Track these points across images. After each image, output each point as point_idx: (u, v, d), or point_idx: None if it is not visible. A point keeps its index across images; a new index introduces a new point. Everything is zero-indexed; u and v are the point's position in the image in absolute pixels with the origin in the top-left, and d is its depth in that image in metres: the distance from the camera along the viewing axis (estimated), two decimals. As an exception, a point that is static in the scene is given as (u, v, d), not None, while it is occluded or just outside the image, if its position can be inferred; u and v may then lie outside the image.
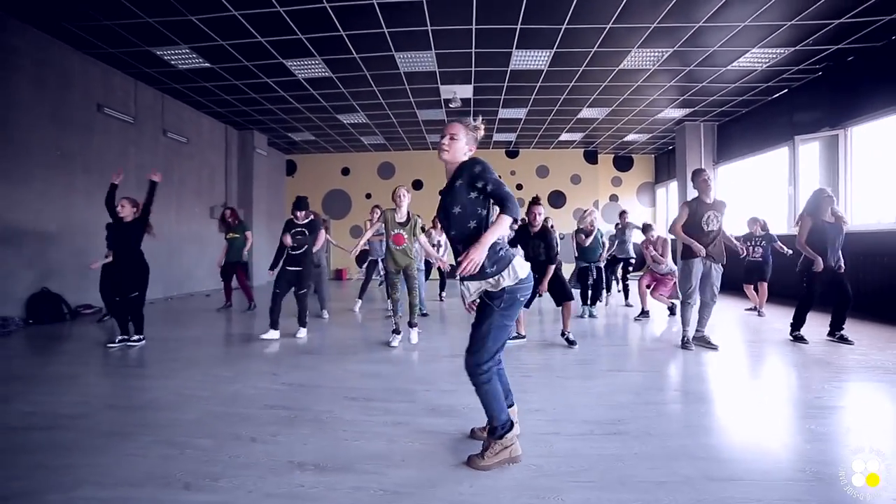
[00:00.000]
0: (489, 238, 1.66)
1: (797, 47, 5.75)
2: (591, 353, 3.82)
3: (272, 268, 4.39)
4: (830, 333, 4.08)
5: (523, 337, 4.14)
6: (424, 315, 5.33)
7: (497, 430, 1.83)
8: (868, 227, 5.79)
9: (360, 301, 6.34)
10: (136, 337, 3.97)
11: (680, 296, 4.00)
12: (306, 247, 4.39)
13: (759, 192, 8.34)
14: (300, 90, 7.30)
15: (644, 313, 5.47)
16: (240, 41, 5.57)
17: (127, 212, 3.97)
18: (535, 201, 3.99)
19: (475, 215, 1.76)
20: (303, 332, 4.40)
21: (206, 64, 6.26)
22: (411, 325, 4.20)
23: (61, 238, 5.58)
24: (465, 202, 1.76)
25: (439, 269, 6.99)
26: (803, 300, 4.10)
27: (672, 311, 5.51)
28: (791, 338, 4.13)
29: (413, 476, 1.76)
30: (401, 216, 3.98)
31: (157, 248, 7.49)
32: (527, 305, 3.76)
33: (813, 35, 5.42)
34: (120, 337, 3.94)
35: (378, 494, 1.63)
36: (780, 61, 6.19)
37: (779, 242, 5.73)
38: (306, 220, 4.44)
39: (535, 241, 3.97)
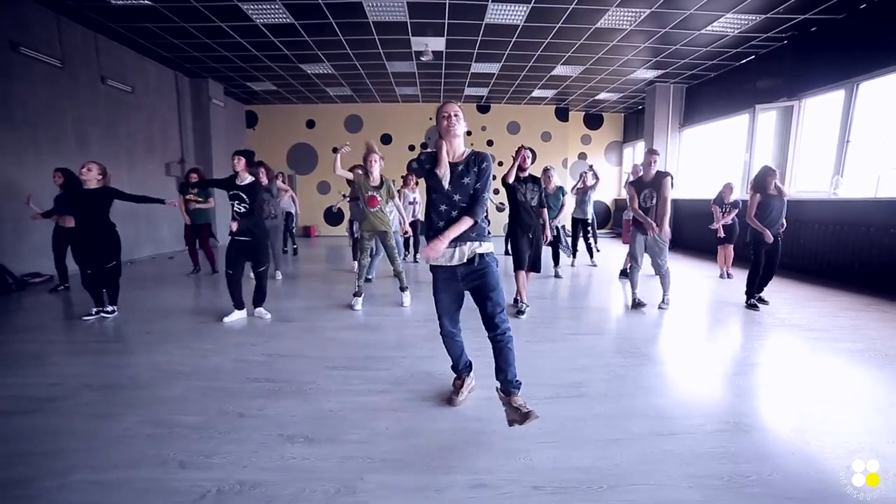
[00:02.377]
0: (450, 234, 1.97)
1: (768, 14, 5.81)
2: (556, 316, 4.10)
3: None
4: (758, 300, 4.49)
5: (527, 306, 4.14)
6: (369, 280, 5.36)
7: (519, 381, 1.99)
8: (807, 196, 6.28)
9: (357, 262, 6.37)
10: (109, 308, 3.85)
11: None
12: (254, 213, 3.73)
13: (721, 156, 8.72)
14: (259, 37, 6.67)
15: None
16: (186, -22, 4.96)
17: (92, 176, 3.68)
18: (524, 147, 4.04)
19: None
20: (261, 313, 3.93)
21: (146, 1, 5.55)
22: (402, 289, 4.37)
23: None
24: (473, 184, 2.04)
25: (411, 226, 6.92)
26: (752, 269, 4.46)
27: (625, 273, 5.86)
28: (746, 305, 4.42)
29: (398, 444, 1.92)
30: (374, 180, 4.14)
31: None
32: (536, 269, 4.09)
33: (784, 3, 5.48)
34: (95, 309, 3.82)
35: (367, 462, 1.79)
36: (750, 28, 6.25)
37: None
38: (247, 182, 3.72)
39: (526, 186, 4.02)
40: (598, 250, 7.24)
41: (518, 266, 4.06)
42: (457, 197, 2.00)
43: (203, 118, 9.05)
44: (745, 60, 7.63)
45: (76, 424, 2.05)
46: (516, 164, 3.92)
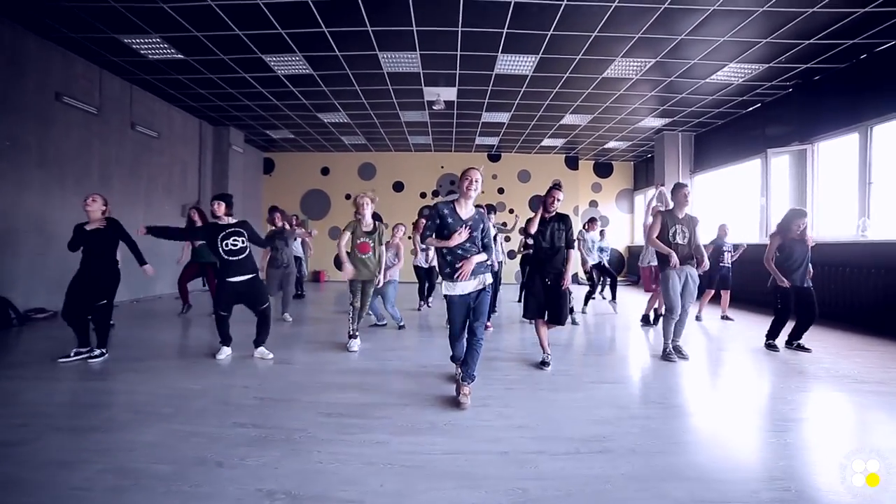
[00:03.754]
0: (476, 259, 2.66)
1: (771, 64, 5.94)
2: (573, 364, 3.78)
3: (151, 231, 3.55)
4: (788, 343, 4.20)
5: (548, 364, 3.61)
6: (402, 328, 5.12)
7: (474, 376, 2.74)
8: (831, 239, 6.02)
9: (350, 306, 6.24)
10: (97, 351, 3.52)
11: (663, 308, 3.98)
12: (248, 250, 3.61)
13: (734, 202, 8.59)
14: (279, 87, 7.05)
15: (645, 319, 5.50)
16: (215, 33, 5.32)
17: (96, 208, 3.55)
18: (557, 186, 3.69)
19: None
20: (263, 353, 3.69)
21: (179, 56, 5.95)
22: (351, 335, 4.03)
23: (9, 236, 5.16)
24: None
25: (426, 271, 6.55)
26: (778, 316, 4.19)
27: (646, 319, 5.53)
28: (765, 346, 4.22)
29: (393, 503, 1.64)
30: (366, 225, 3.98)
31: (124, 247, 7.07)
32: (558, 321, 3.65)
33: (786, 53, 5.61)
34: (76, 350, 3.50)
35: (354, 527, 1.51)
36: (754, 76, 6.38)
37: (732, 252, 5.88)
38: (235, 220, 3.66)
39: (550, 226, 3.58)
40: (604, 298, 7.01)
41: (528, 314, 3.55)
42: (468, 244, 2.65)
43: (222, 163, 9.39)
44: (752, 108, 7.74)
45: (27, 474, 1.80)
46: (538, 215, 3.58)
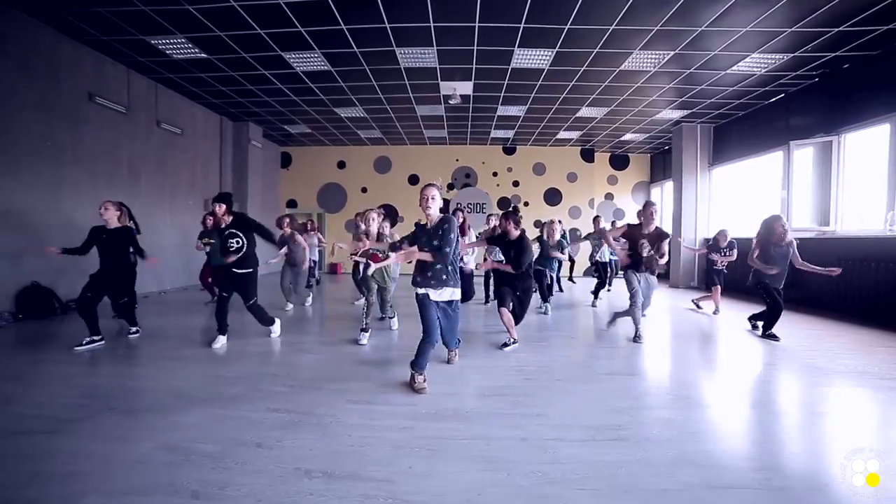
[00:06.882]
0: (418, 255, 2.90)
1: (796, 53, 5.80)
2: (588, 356, 3.86)
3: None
4: (755, 327, 4.71)
5: (516, 342, 4.04)
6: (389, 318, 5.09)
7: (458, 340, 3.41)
8: (858, 234, 5.90)
9: (362, 297, 6.47)
10: (133, 328, 4.24)
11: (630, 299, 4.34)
12: (246, 247, 3.94)
13: (753, 194, 8.45)
14: (298, 83, 7.19)
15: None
16: (238, 32, 5.45)
17: (111, 215, 3.85)
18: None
19: None
20: (276, 329, 4.27)
21: (203, 55, 6.12)
22: (388, 317, 4.70)
23: (50, 231, 5.45)
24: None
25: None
26: (772, 310, 4.38)
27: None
28: (763, 336, 4.47)
29: (422, 484, 1.77)
30: (371, 238, 4.12)
31: (150, 240, 7.37)
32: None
33: (812, 42, 5.47)
34: (89, 338, 3.80)
35: (388, 502, 1.65)
36: (778, 67, 6.24)
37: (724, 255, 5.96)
38: (231, 220, 3.98)
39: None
40: (609, 290, 7.22)
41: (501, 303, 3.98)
42: (447, 248, 2.84)
43: (242, 158, 9.63)
44: (774, 99, 7.56)
45: (95, 447, 2.01)
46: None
